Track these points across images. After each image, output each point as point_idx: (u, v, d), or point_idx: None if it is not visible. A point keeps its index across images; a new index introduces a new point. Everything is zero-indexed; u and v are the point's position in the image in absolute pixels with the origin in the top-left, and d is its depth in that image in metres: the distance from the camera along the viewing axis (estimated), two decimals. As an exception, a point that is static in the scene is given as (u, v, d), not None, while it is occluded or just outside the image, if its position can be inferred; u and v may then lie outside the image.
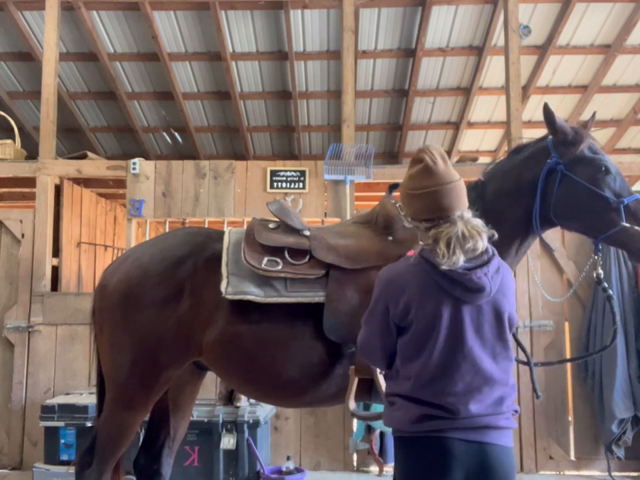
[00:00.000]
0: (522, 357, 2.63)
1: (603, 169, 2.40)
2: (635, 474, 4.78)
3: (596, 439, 4.85)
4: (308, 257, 2.52)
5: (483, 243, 1.84)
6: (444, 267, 1.78)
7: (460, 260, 1.78)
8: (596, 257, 2.50)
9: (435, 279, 1.82)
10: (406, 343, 1.86)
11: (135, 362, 2.57)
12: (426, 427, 1.78)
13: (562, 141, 2.46)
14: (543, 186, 2.44)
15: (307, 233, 2.58)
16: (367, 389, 2.38)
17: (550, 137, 2.52)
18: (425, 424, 1.78)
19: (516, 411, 1.87)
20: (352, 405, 2.34)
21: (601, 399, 4.66)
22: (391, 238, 2.56)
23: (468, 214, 1.89)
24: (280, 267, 2.49)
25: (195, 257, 2.60)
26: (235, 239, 2.63)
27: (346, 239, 2.60)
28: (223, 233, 2.72)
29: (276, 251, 2.53)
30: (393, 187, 2.81)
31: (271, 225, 2.65)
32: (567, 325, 5.01)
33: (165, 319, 2.53)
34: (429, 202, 1.87)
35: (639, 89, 7.10)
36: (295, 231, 2.59)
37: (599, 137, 7.65)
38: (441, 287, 1.81)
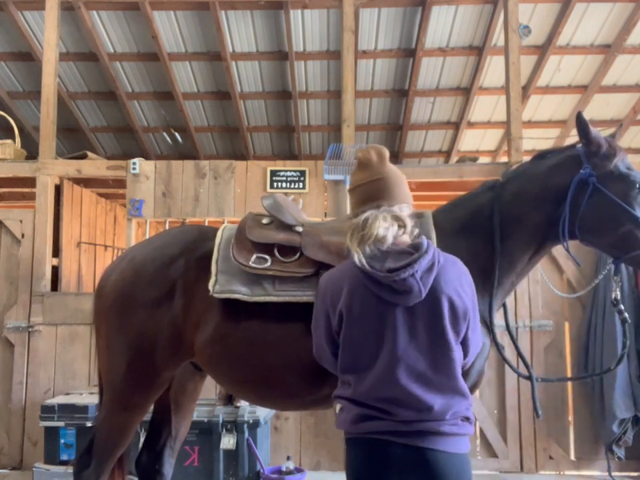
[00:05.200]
0: (523, 368, 2.49)
1: (638, 186, 2.28)
2: (636, 474, 4.77)
3: (596, 439, 4.84)
4: (298, 254, 2.41)
5: (390, 231, 1.79)
6: (357, 264, 1.75)
7: (366, 251, 1.76)
8: (615, 278, 2.39)
9: (364, 282, 1.77)
10: (342, 350, 1.84)
11: (131, 363, 2.52)
12: (364, 428, 1.76)
13: (595, 152, 2.34)
14: (572, 196, 2.29)
15: (300, 229, 2.48)
16: None
17: (580, 145, 2.40)
18: (363, 424, 1.76)
19: (467, 418, 1.77)
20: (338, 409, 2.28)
21: (602, 399, 4.65)
22: None
23: (399, 208, 1.89)
24: (268, 264, 2.39)
25: (187, 255, 2.53)
26: (228, 235, 2.54)
27: (340, 235, 2.42)
28: (217, 230, 2.63)
29: (265, 248, 2.44)
30: None
31: (264, 221, 2.55)
32: (566, 324, 5.01)
33: (159, 319, 2.48)
34: (360, 194, 1.94)
35: (638, 89, 7.09)
36: (287, 227, 2.49)
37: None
38: (370, 290, 1.77)
